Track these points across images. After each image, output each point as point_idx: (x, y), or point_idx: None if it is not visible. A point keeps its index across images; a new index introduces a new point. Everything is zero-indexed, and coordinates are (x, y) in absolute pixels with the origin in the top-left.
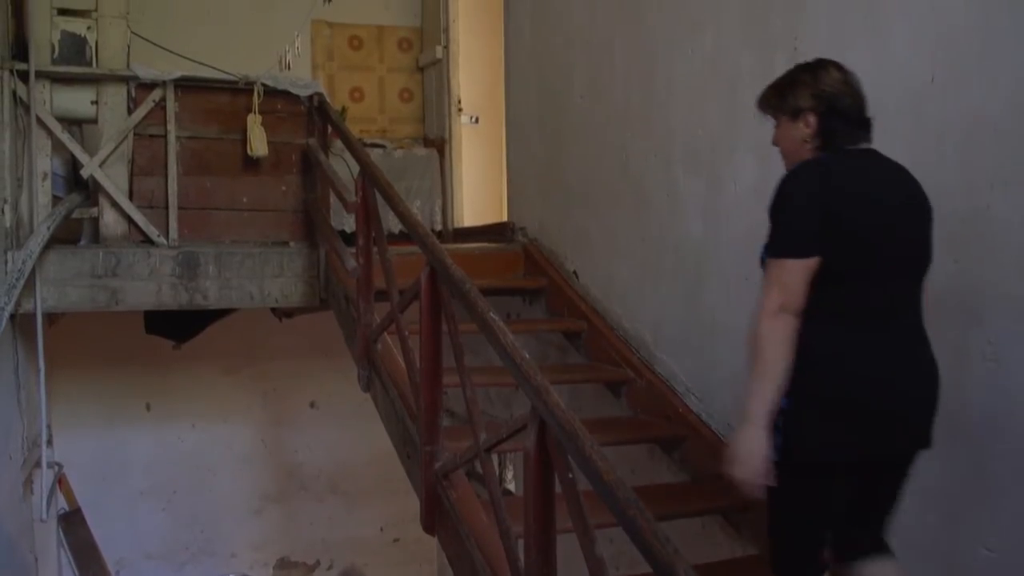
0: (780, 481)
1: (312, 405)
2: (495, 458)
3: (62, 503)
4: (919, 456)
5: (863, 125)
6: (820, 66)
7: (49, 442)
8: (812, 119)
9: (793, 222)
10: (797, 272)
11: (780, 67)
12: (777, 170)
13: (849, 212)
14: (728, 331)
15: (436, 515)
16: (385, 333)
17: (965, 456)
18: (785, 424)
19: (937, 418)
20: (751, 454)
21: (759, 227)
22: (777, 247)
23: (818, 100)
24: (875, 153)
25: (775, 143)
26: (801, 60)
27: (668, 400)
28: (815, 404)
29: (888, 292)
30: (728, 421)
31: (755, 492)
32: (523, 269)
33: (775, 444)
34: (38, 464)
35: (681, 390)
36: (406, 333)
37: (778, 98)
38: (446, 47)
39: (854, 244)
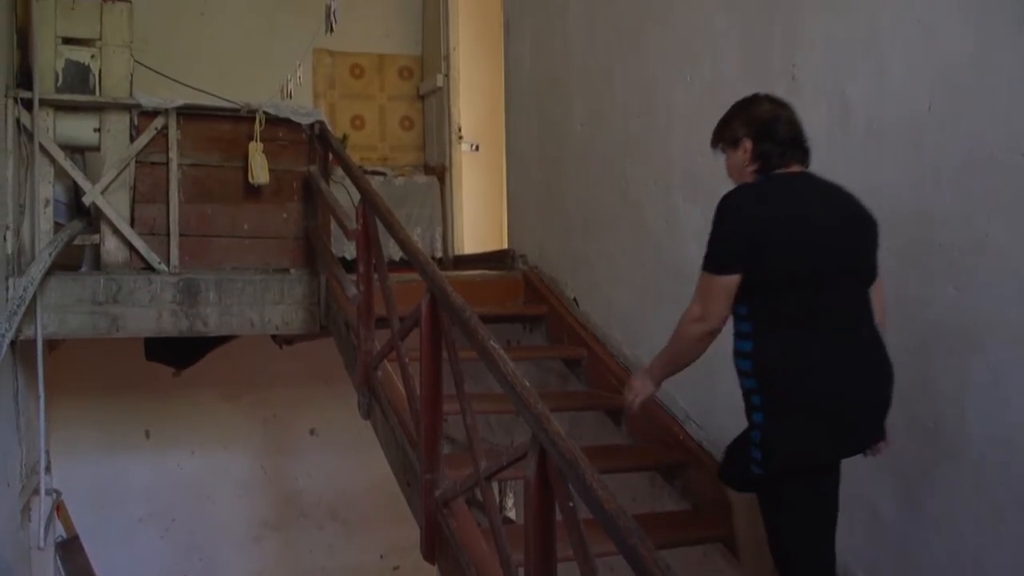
0: (769, 492)
1: (312, 432)
2: (495, 486)
3: (60, 530)
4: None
5: (797, 149)
6: (753, 99)
7: (48, 469)
8: (748, 144)
9: (719, 242)
10: (718, 286)
11: (778, 95)
12: None
13: (780, 231)
14: (728, 357)
15: (436, 543)
16: (385, 360)
17: (967, 482)
18: (762, 439)
19: (938, 442)
20: (639, 391)
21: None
22: (705, 263)
23: (751, 127)
24: (810, 176)
25: (728, 173)
26: (800, 89)
27: (669, 427)
28: (786, 414)
29: (837, 300)
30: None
31: (632, 409)
32: (523, 296)
33: (754, 458)
34: (36, 491)
35: (681, 417)
36: (406, 360)
37: (721, 131)
38: (447, 75)
39: (788, 259)
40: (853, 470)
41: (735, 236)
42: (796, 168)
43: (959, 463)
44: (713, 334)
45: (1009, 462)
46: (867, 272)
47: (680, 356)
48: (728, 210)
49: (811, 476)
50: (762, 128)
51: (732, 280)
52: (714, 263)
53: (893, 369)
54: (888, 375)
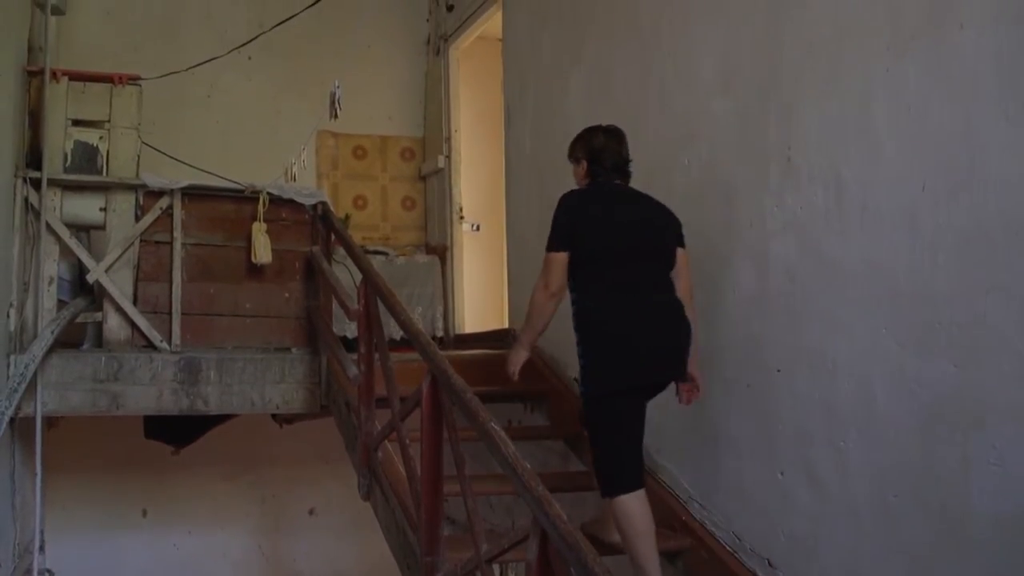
0: (589, 413)
1: (311, 512)
2: (496, 569)
3: None
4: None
5: (618, 170)
6: (594, 131)
7: (42, 548)
8: (585, 164)
9: (554, 230)
10: (554, 261)
11: (775, 178)
12: (776, 280)
13: (593, 222)
14: (730, 438)
15: None
16: (386, 440)
17: (975, 563)
18: (582, 374)
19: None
20: (515, 361)
21: (760, 335)
22: (548, 245)
23: (587, 153)
24: (624, 187)
25: (573, 177)
26: (795, 171)
27: (671, 508)
28: (602, 357)
29: (637, 275)
30: (732, 530)
31: (513, 377)
32: (525, 375)
33: (580, 391)
34: (29, 571)
35: (684, 498)
36: (407, 441)
37: (570, 150)
38: (448, 156)
39: (601, 243)
40: (863, 553)
41: (563, 225)
42: (617, 181)
43: (967, 543)
44: (556, 296)
45: (1017, 541)
46: (666, 258)
47: (538, 320)
48: (561, 207)
49: (615, 399)
50: (594, 155)
51: (564, 256)
52: (551, 244)
53: (685, 327)
54: (676, 330)
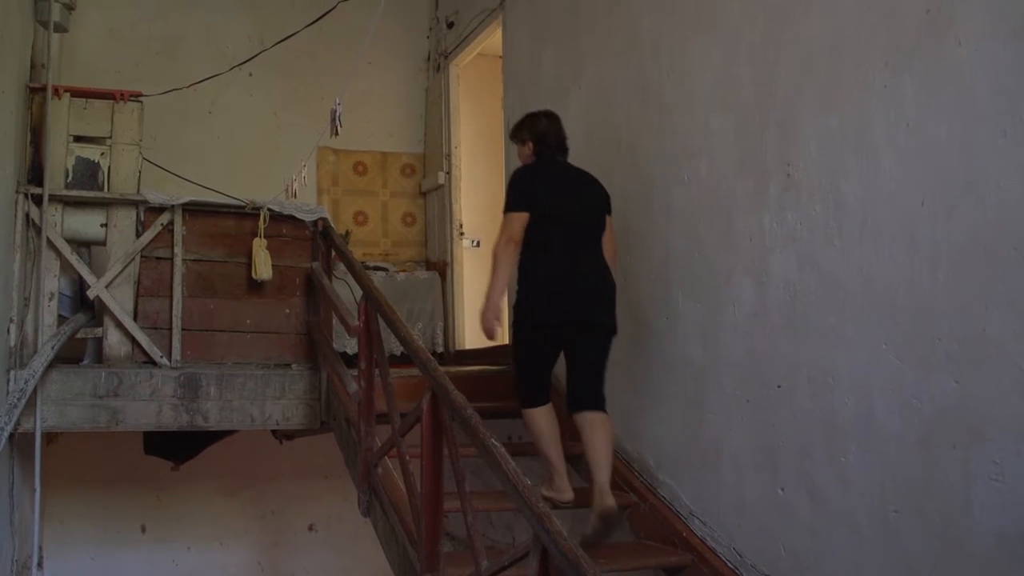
0: (516, 337)
1: (311, 528)
2: None
3: None
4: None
5: (559, 149)
6: (535, 116)
7: (40, 564)
8: (530, 144)
9: (513, 194)
10: (513, 218)
11: (774, 194)
12: (776, 295)
13: (541, 192)
14: (730, 453)
15: None
16: (386, 456)
17: None
18: (517, 306)
19: (946, 538)
20: (489, 318)
21: (760, 350)
22: (506, 207)
23: (533, 135)
24: (565, 163)
25: (518, 157)
26: (795, 186)
27: (672, 525)
28: (530, 294)
29: (572, 235)
30: (733, 546)
31: (490, 333)
32: None
33: (513, 319)
34: None
35: (685, 514)
36: (407, 457)
37: (516, 132)
38: (448, 173)
39: (543, 209)
40: (865, 569)
41: (520, 191)
42: (559, 158)
43: (968, 559)
44: (515, 243)
45: (1019, 556)
46: (598, 223)
47: (504, 269)
48: (516, 177)
49: (535, 331)
50: (539, 136)
51: (524, 215)
52: (510, 206)
53: (607, 281)
54: (596, 282)
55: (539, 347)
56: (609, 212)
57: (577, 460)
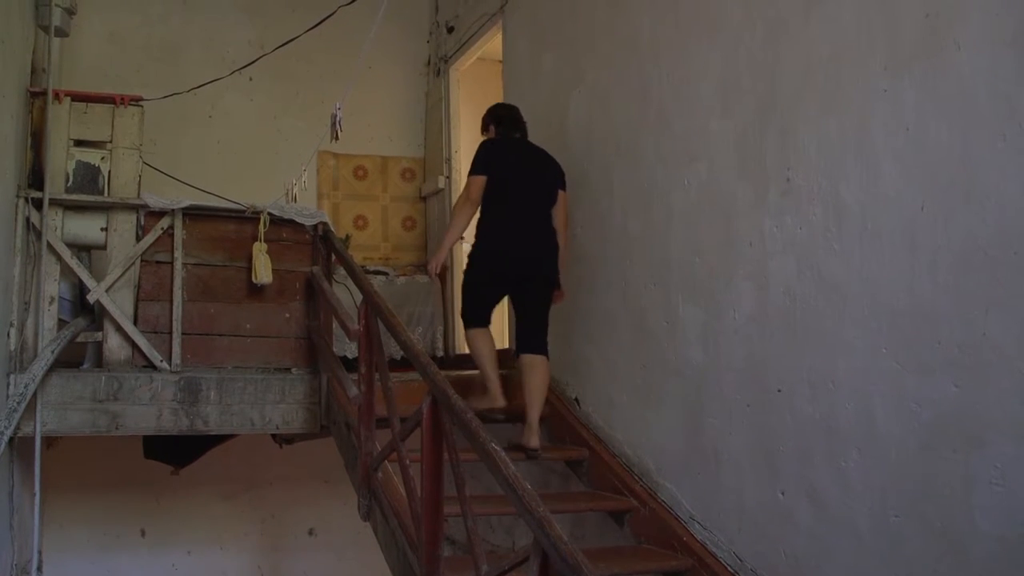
0: (468, 278)
1: (311, 532)
2: None
3: None
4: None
5: (516, 128)
6: (494, 107)
7: (39, 568)
8: (492, 128)
9: (476, 162)
10: (475, 181)
11: (774, 198)
12: (776, 299)
13: (498, 162)
14: (731, 458)
15: None
16: (386, 461)
17: None
18: (472, 253)
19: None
20: (438, 260)
21: (760, 355)
22: (471, 172)
23: (492, 119)
24: (524, 141)
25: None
26: (795, 190)
27: (672, 529)
28: (483, 245)
29: (522, 202)
30: (733, 550)
31: (432, 273)
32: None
33: (467, 263)
34: None
35: (685, 518)
36: (407, 462)
37: (482, 126)
38: (448, 177)
39: (500, 176)
40: (865, 573)
41: (482, 159)
42: (517, 135)
43: (968, 563)
44: (474, 205)
45: (1019, 561)
46: (548, 194)
47: (459, 225)
48: (479, 148)
49: (481, 281)
50: (498, 120)
51: (483, 179)
52: (473, 171)
53: (549, 244)
54: (539, 244)
55: (486, 288)
56: (563, 188)
57: (578, 464)
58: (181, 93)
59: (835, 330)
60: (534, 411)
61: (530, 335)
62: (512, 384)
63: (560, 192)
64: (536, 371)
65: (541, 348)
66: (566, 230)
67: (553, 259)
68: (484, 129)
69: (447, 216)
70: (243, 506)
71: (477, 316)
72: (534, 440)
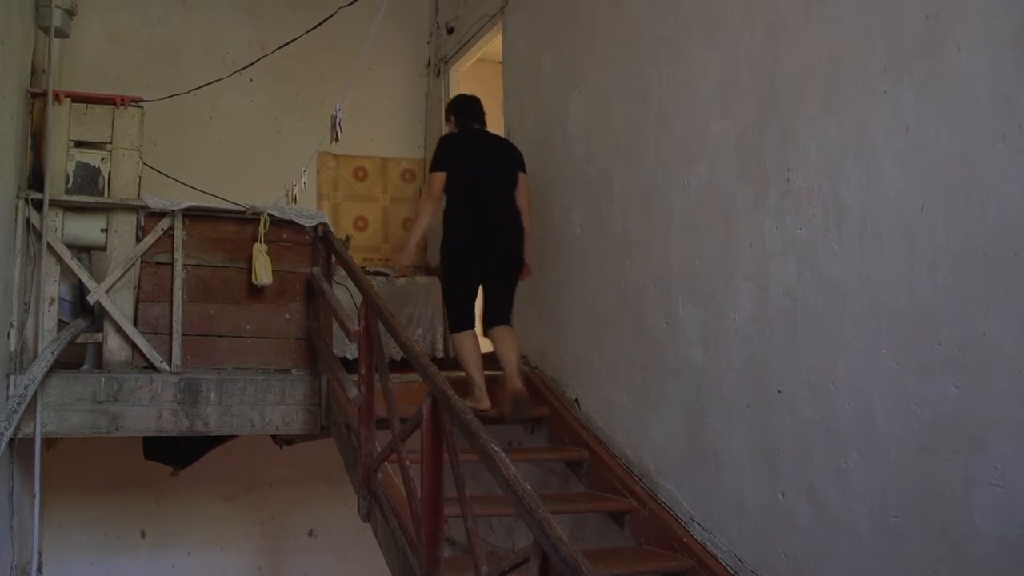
0: (444, 275)
1: (311, 533)
2: None
3: None
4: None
5: (475, 120)
6: (455, 98)
7: (39, 569)
8: (452, 119)
9: (435, 159)
10: (436, 178)
11: (774, 199)
12: (776, 300)
13: (456, 156)
14: (731, 458)
15: None
16: (386, 461)
17: None
18: (442, 249)
19: (947, 543)
20: (406, 256)
21: (760, 356)
22: (431, 169)
23: (452, 111)
24: (482, 131)
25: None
26: (795, 191)
27: (672, 530)
28: (451, 239)
29: (482, 190)
30: (734, 551)
31: (402, 271)
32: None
33: (440, 260)
34: None
35: (685, 519)
36: (407, 463)
37: (445, 113)
38: None
39: (460, 169)
40: (865, 573)
41: (440, 156)
42: (476, 126)
43: (968, 563)
44: (436, 201)
45: (1019, 561)
46: (509, 179)
47: (422, 221)
48: (438, 144)
49: (456, 267)
50: (458, 111)
51: (443, 175)
52: (433, 168)
53: (514, 227)
54: (504, 228)
55: (461, 281)
56: (523, 170)
57: (578, 465)
58: (181, 94)
59: (835, 331)
60: (511, 365)
61: (497, 313)
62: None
63: (520, 174)
64: (505, 339)
65: (507, 321)
66: (529, 209)
67: (518, 243)
68: (447, 121)
69: None
70: (243, 507)
71: (461, 315)
72: (518, 383)
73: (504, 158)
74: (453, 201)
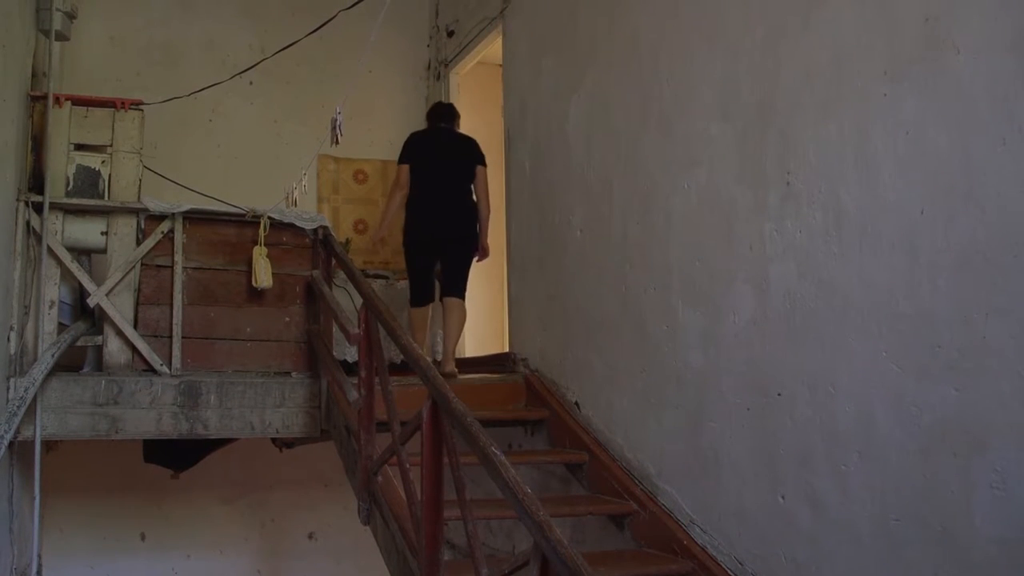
0: (405, 255)
1: (311, 536)
2: None
3: None
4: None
5: (440, 119)
6: (432, 105)
7: (39, 573)
8: (426, 120)
9: (402, 153)
10: (401, 170)
11: (774, 202)
12: (776, 303)
13: (416, 151)
14: (731, 461)
15: None
16: (386, 464)
17: None
18: (403, 231)
19: (947, 546)
20: (376, 234)
21: (760, 359)
22: (399, 160)
23: (427, 115)
24: (446, 129)
25: None
26: (795, 195)
27: (672, 532)
28: (409, 221)
29: (437, 180)
30: (734, 554)
31: (376, 240)
32: (525, 400)
33: (402, 240)
34: None
35: (685, 522)
36: (407, 466)
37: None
38: None
39: (420, 162)
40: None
41: (404, 150)
42: (442, 125)
43: (969, 567)
44: (399, 187)
45: (1020, 564)
46: (465, 172)
47: (389, 208)
48: (407, 140)
49: (410, 247)
50: (428, 115)
51: (404, 167)
52: (400, 160)
53: (465, 212)
54: (456, 210)
55: (417, 259)
56: (480, 163)
57: (578, 468)
58: (181, 97)
59: (835, 334)
60: (451, 341)
61: (450, 284)
62: (505, 386)
63: (478, 167)
64: (453, 311)
65: (458, 293)
66: (487, 198)
67: (467, 222)
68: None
69: None
70: (243, 510)
71: (416, 291)
72: (451, 365)
73: (460, 151)
74: (412, 189)
